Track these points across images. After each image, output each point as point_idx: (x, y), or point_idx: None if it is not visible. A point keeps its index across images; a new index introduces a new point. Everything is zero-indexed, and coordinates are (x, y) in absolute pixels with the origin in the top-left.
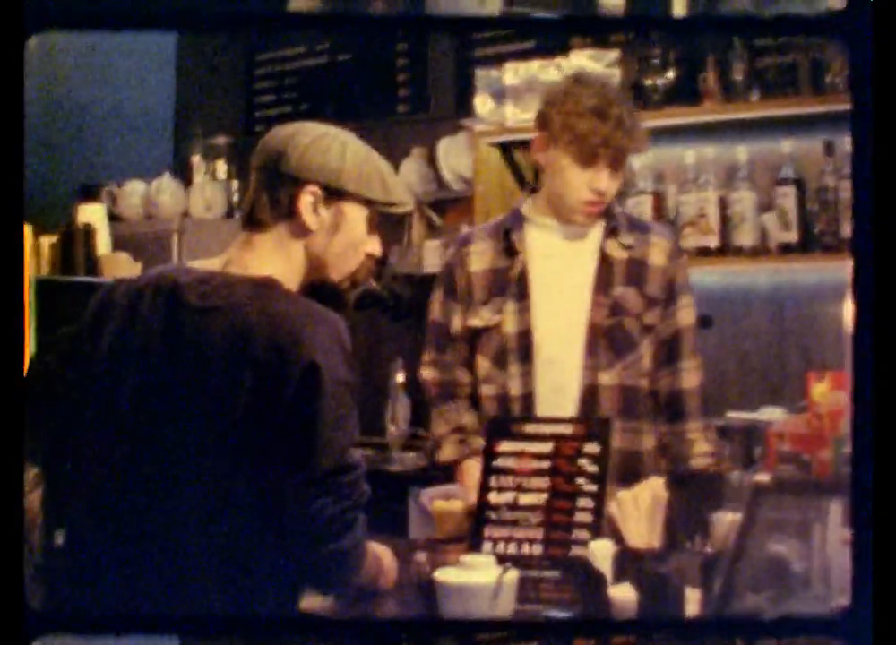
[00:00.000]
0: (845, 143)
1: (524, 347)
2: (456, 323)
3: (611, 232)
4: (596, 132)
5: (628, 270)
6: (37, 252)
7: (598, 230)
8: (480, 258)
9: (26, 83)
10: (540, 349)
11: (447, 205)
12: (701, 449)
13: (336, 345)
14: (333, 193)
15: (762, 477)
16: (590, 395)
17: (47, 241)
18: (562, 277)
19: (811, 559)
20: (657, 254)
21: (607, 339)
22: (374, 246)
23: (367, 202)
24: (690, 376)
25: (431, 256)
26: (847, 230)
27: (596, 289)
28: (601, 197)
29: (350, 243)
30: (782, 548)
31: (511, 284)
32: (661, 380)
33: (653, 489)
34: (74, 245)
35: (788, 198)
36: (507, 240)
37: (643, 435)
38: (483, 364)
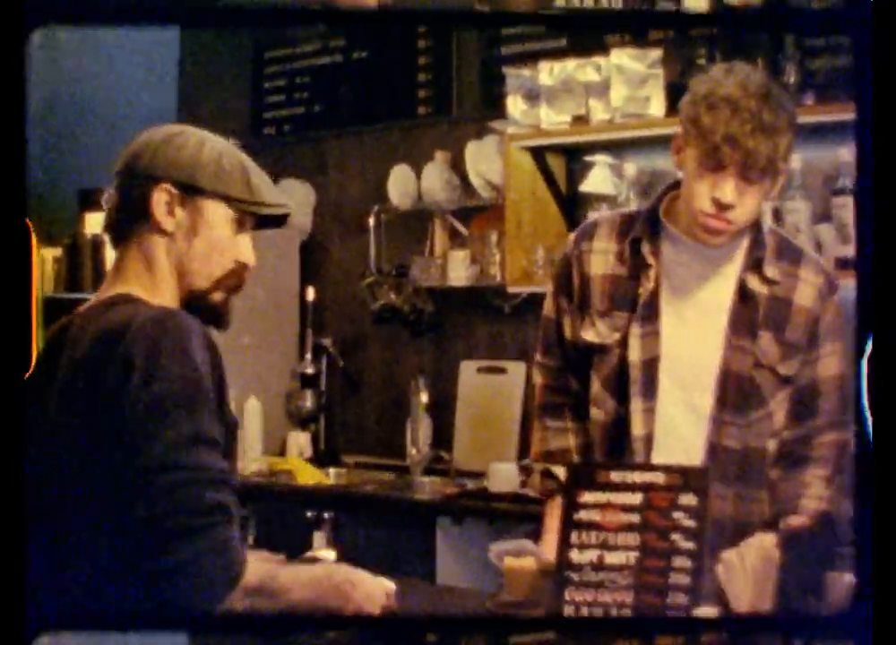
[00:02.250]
0: None
1: (649, 379)
2: (568, 327)
3: (755, 263)
4: (723, 126)
5: (769, 310)
6: (40, 266)
7: (740, 257)
8: (601, 259)
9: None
10: (664, 386)
11: (473, 213)
12: (816, 492)
13: (168, 341)
14: (188, 191)
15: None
16: (715, 451)
17: (50, 254)
18: (694, 306)
19: None
20: (805, 293)
21: (737, 390)
22: (242, 252)
23: (228, 201)
24: (826, 435)
25: (456, 268)
26: None
27: (732, 330)
28: (724, 212)
29: (212, 245)
30: None
31: (638, 301)
32: (788, 439)
33: (762, 547)
34: (81, 258)
35: (845, 209)
36: (636, 247)
37: (762, 505)
38: (595, 383)
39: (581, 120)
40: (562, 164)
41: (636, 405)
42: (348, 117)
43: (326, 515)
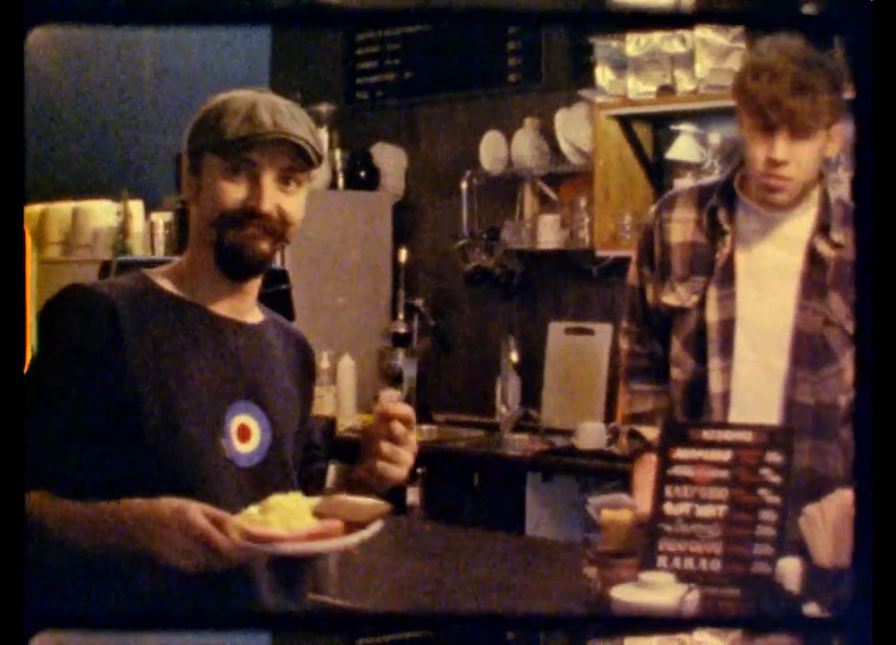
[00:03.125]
0: None
1: (726, 339)
2: (650, 294)
3: (822, 228)
4: (766, 90)
5: (837, 272)
6: (151, 230)
7: (809, 222)
8: (681, 228)
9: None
10: (740, 346)
11: (562, 179)
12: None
13: (53, 326)
14: (194, 156)
15: None
16: (790, 407)
17: (160, 219)
18: (768, 270)
19: None
20: None
21: (809, 348)
22: (240, 196)
23: (223, 147)
24: None
25: (546, 232)
26: None
27: (803, 292)
28: (779, 169)
29: (208, 196)
30: None
31: (715, 266)
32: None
33: (842, 503)
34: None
35: None
36: (713, 215)
37: (835, 459)
38: (675, 344)
39: (666, 90)
40: (648, 132)
41: (714, 363)
42: (439, 85)
43: (418, 470)
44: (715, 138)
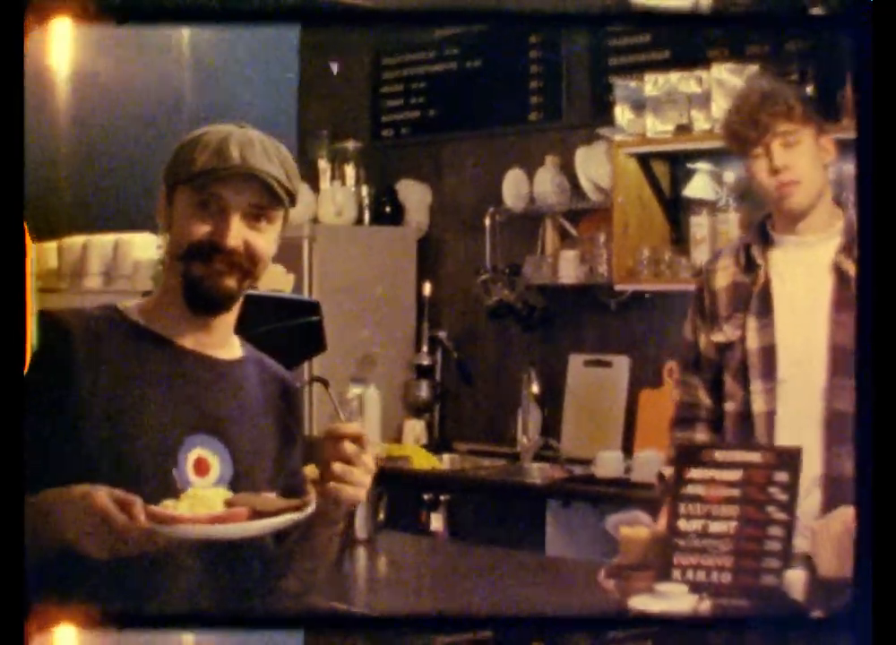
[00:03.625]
0: None
1: (767, 363)
2: (702, 342)
3: (846, 247)
4: (743, 110)
5: None
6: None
7: (833, 244)
8: (724, 274)
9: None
10: (782, 367)
11: (582, 215)
12: None
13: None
14: (169, 189)
15: None
16: (834, 419)
17: None
18: (801, 293)
19: None
20: None
21: (844, 359)
22: (206, 231)
23: (193, 180)
24: None
25: (566, 267)
26: None
27: (835, 308)
28: (783, 176)
29: (177, 228)
30: None
31: (752, 298)
32: None
33: (845, 519)
34: None
35: None
36: (748, 254)
37: None
38: (726, 379)
39: (683, 129)
40: (665, 170)
41: (756, 386)
42: (463, 122)
43: (442, 497)
44: (730, 176)
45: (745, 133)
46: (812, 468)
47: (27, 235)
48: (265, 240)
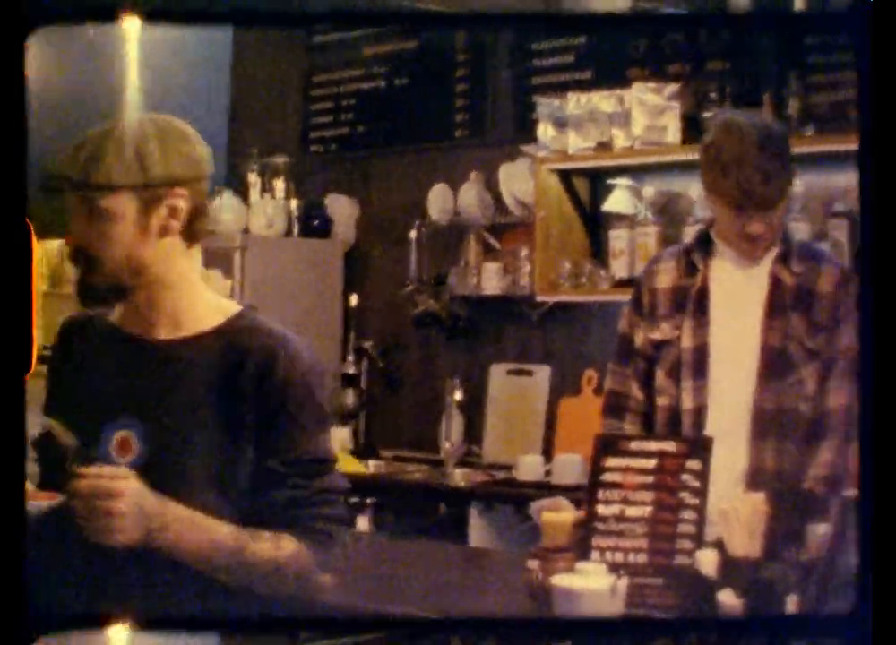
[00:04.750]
0: None
1: (699, 362)
2: (638, 337)
3: (782, 259)
4: (736, 184)
5: (797, 296)
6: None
7: (771, 255)
8: (666, 276)
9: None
10: (714, 366)
11: (505, 229)
12: (815, 472)
13: None
14: None
15: (852, 493)
16: (757, 413)
17: None
18: (737, 299)
19: None
20: (825, 283)
21: (773, 360)
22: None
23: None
24: (837, 397)
25: (489, 278)
26: None
27: (767, 313)
28: (757, 239)
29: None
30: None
31: (690, 300)
32: (816, 401)
33: (753, 503)
34: None
35: (840, 231)
36: (690, 260)
37: (795, 458)
38: (659, 376)
39: (604, 146)
40: (586, 186)
41: (687, 383)
42: (390, 138)
43: (368, 501)
44: (649, 191)
45: (733, 198)
46: (738, 462)
47: (32, 236)
48: (98, 234)
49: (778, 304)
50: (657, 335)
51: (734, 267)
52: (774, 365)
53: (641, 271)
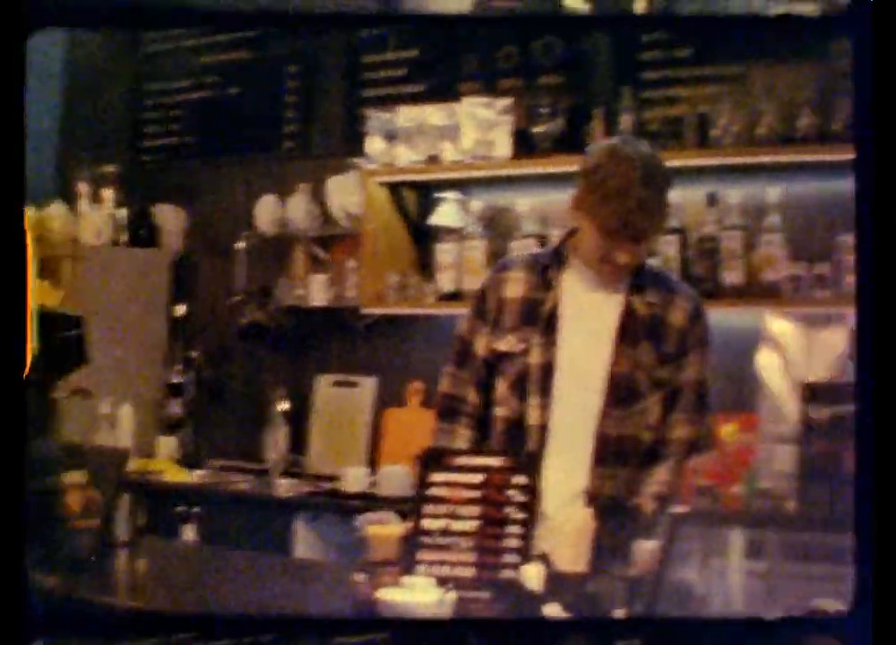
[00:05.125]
0: (728, 195)
1: (545, 380)
2: (480, 344)
3: (637, 288)
4: (616, 213)
5: (649, 326)
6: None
7: (626, 283)
8: (515, 286)
9: None
10: (561, 386)
11: (334, 241)
12: (660, 477)
13: None
14: None
15: (680, 509)
16: (603, 441)
17: None
18: (588, 321)
19: (712, 584)
20: (678, 315)
21: (620, 388)
22: None
23: None
24: (681, 428)
25: (316, 290)
26: (727, 278)
27: (618, 341)
28: (621, 267)
29: None
30: (690, 574)
31: (541, 317)
32: (658, 430)
33: (580, 518)
34: None
35: (670, 246)
36: (544, 275)
37: (636, 485)
38: (500, 387)
39: (434, 160)
40: (415, 198)
41: (532, 400)
42: (219, 149)
43: (194, 510)
44: (477, 205)
45: (608, 226)
46: (577, 482)
47: (27, 235)
48: None
49: (629, 332)
50: (502, 346)
51: (589, 288)
52: (620, 392)
53: (488, 276)
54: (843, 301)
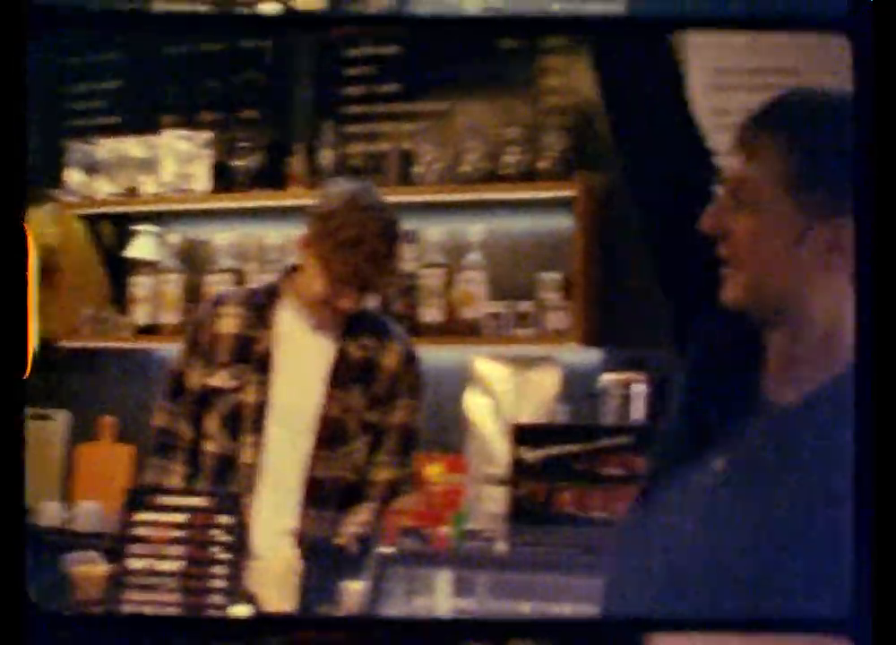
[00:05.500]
0: (429, 233)
1: (258, 419)
2: (192, 378)
3: (352, 332)
4: (348, 263)
5: (361, 369)
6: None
7: (342, 325)
8: (229, 321)
9: None
10: (273, 426)
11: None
12: (360, 519)
13: None
14: None
15: (386, 550)
16: (312, 483)
17: None
18: (302, 363)
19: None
20: (391, 358)
21: (330, 430)
22: None
23: None
24: (384, 470)
25: None
26: (427, 315)
27: (330, 383)
28: (341, 312)
29: None
30: (397, 613)
31: (255, 355)
32: (364, 471)
33: (287, 558)
34: None
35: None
36: (259, 312)
37: (339, 522)
38: (212, 423)
39: (132, 192)
40: (113, 231)
41: (245, 439)
42: None
43: None
44: (174, 238)
45: (336, 271)
46: (286, 522)
47: (28, 235)
48: None
49: (341, 375)
50: (214, 381)
51: (305, 329)
52: (330, 434)
53: (201, 309)
54: (545, 339)
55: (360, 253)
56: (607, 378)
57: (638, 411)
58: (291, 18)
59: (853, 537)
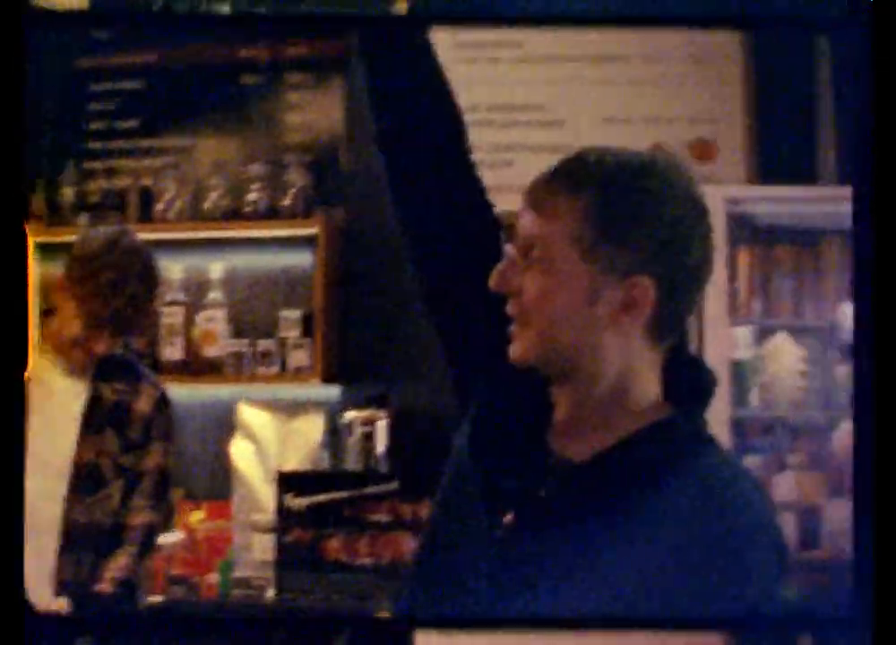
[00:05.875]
0: (170, 270)
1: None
2: None
3: (105, 375)
4: (106, 306)
5: (114, 413)
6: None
7: (94, 369)
8: None
9: None
10: (29, 473)
11: None
12: (119, 563)
13: None
14: None
15: (155, 599)
16: (69, 529)
17: None
18: (55, 407)
19: None
20: (143, 402)
21: (85, 474)
22: None
23: None
24: (141, 514)
25: None
26: (167, 353)
27: (84, 427)
28: (94, 354)
29: None
30: None
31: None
32: (120, 515)
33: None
34: None
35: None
36: None
37: (101, 572)
38: None
39: None
40: None
41: None
42: None
43: None
44: None
45: (97, 312)
46: (47, 568)
47: (28, 235)
48: None
49: (95, 419)
50: None
51: (56, 372)
52: (85, 479)
53: None
54: (286, 378)
55: (121, 295)
56: (350, 415)
57: (381, 446)
58: None
59: (853, 537)
